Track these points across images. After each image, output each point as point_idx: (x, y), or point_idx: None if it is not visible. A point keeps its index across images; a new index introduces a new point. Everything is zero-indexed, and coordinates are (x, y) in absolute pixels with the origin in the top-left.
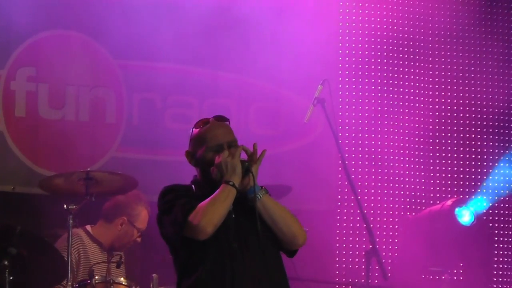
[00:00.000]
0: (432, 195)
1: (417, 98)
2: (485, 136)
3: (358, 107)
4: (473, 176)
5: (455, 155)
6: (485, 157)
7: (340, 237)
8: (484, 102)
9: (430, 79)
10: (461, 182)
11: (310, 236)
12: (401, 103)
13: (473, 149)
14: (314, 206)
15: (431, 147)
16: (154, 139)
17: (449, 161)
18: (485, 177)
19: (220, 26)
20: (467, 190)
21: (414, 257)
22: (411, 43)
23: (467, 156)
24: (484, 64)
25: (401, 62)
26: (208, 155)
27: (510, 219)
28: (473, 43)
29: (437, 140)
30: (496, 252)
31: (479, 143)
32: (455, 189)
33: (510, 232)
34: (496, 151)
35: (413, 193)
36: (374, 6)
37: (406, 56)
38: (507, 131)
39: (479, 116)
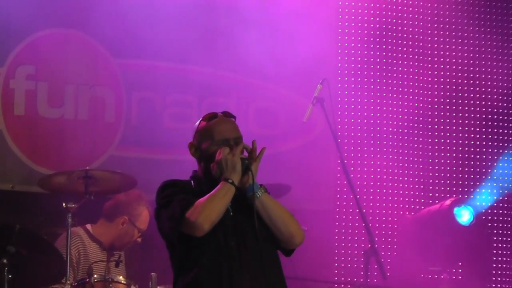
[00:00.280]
0: (431, 194)
1: (416, 98)
2: (484, 136)
3: (357, 107)
4: (472, 176)
5: (454, 154)
6: (484, 156)
7: (339, 237)
8: (483, 102)
9: (429, 79)
10: (460, 182)
11: (309, 235)
12: (400, 103)
13: (472, 149)
14: (313, 206)
15: (430, 147)
16: (153, 138)
17: (448, 161)
18: (484, 176)
19: (219, 26)
20: (466, 189)
21: (413, 256)
22: (411, 42)
23: (466, 155)
24: (484, 64)
25: (400, 62)
26: (213, 149)
27: (509, 218)
28: (473, 43)
29: (436, 140)
30: (495, 251)
31: (478, 142)
32: (454, 189)
33: (509, 232)
34: (495, 150)
35: (412, 193)
36: (373, 5)
37: (405, 55)
38: (506, 131)
39: (478, 116)
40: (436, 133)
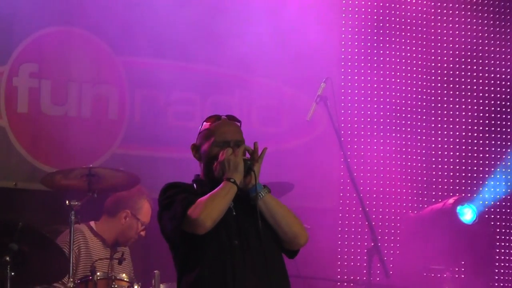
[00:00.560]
0: (434, 193)
1: (419, 96)
2: (487, 135)
3: (361, 105)
4: (475, 175)
5: (457, 153)
6: (487, 155)
7: (342, 235)
8: (487, 101)
9: (433, 78)
10: (463, 181)
11: (312, 233)
12: (403, 102)
13: (475, 148)
14: (316, 204)
15: (433, 145)
16: (156, 136)
17: (451, 160)
18: (487, 175)
19: (223, 24)
20: (469, 188)
21: (416, 255)
22: (414, 41)
23: (469, 154)
24: (490, 61)
25: (403, 61)
26: (213, 150)
27: None
28: (481, 36)
29: (439, 139)
30: (497, 250)
31: (481, 141)
32: (457, 188)
33: None
34: (498, 150)
35: (415, 191)
36: (377, 3)
37: (409, 54)
38: (509, 130)
39: (481, 114)
40: (440, 132)
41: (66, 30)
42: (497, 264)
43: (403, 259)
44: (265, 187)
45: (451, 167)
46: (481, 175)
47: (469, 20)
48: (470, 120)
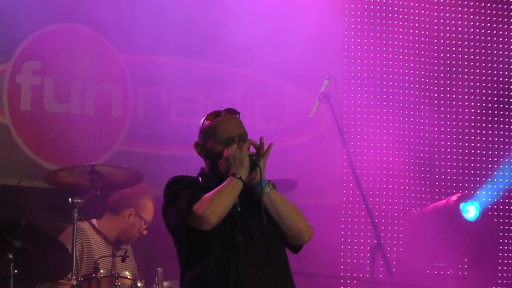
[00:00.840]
0: (437, 190)
1: (422, 93)
2: (490, 132)
3: (364, 102)
4: (478, 172)
5: (460, 150)
6: (490, 152)
7: (345, 232)
8: (489, 98)
9: (435, 75)
10: (466, 178)
11: (315, 231)
12: (406, 98)
13: (478, 145)
14: (319, 201)
15: (436, 142)
16: (160, 133)
17: (454, 157)
18: (490, 172)
19: (226, 21)
20: (472, 185)
21: (419, 252)
22: (417, 38)
23: (472, 151)
24: (491, 57)
25: (406, 58)
26: (218, 148)
27: None
28: (484, 32)
29: (443, 135)
30: (501, 247)
31: (484, 138)
32: (460, 185)
33: None
34: (502, 146)
35: (418, 188)
36: (379, 0)
37: (411, 51)
38: None
39: (484, 111)
40: (443, 129)
41: (69, 28)
42: (500, 261)
43: (406, 256)
44: (270, 183)
45: (454, 164)
46: (484, 172)
47: (472, 10)
48: (473, 117)
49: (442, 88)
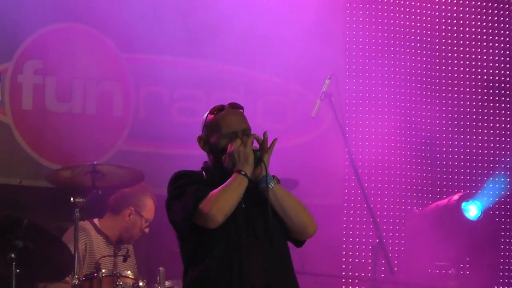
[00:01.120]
0: (439, 189)
1: (424, 93)
2: (491, 131)
3: (365, 101)
4: (480, 171)
5: (462, 149)
6: (492, 151)
7: (347, 231)
8: (491, 97)
9: (437, 74)
10: (468, 177)
11: (317, 230)
12: (407, 97)
13: (480, 144)
14: (321, 200)
15: (437, 142)
16: (161, 133)
17: (456, 156)
18: (491, 171)
19: (227, 20)
20: (473, 184)
21: (421, 251)
22: (418, 38)
23: (474, 151)
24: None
25: (408, 57)
26: (222, 142)
27: None
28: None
29: (444, 135)
30: (502, 246)
31: (485, 138)
32: (462, 184)
33: None
34: (503, 145)
35: (420, 188)
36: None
37: (413, 51)
38: None
39: (485, 110)
40: (444, 128)
41: (71, 27)
42: (502, 260)
43: (408, 256)
44: (274, 178)
45: (456, 163)
46: (485, 171)
47: (473, 9)
48: (475, 116)
49: (444, 88)
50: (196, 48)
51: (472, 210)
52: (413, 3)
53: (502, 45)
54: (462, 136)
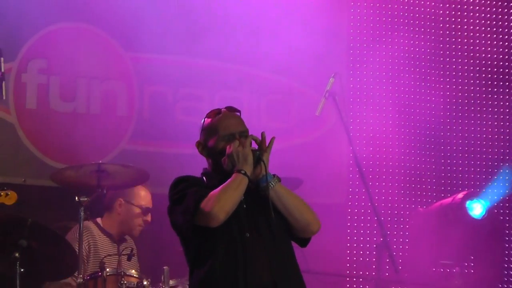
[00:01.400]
0: (443, 188)
1: (428, 91)
2: (496, 130)
3: (370, 100)
4: (484, 170)
5: (466, 148)
6: (496, 150)
7: (351, 230)
8: (495, 95)
9: (441, 72)
10: (472, 175)
11: (321, 229)
12: (412, 96)
13: (484, 142)
14: (325, 199)
15: (442, 140)
16: (165, 132)
17: (460, 154)
18: (496, 170)
19: (231, 19)
20: (478, 183)
21: (425, 250)
22: (422, 36)
23: (478, 149)
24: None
25: (412, 55)
26: (220, 145)
27: None
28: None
29: (448, 133)
30: (507, 245)
31: (490, 136)
32: (466, 182)
33: None
34: (508, 144)
35: (424, 186)
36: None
37: (417, 49)
38: None
39: (490, 109)
40: (448, 127)
41: (75, 26)
42: (506, 258)
43: (412, 254)
44: (275, 177)
45: (460, 162)
46: (490, 170)
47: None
48: (479, 115)
49: (448, 86)
50: (200, 47)
51: (477, 208)
52: (417, 1)
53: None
54: (466, 135)
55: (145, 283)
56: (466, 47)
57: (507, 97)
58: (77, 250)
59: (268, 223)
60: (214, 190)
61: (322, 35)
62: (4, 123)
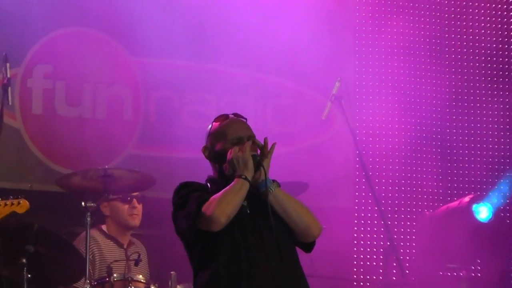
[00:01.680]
0: (449, 191)
1: (434, 95)
2: (502, 133)
3: (375, 104)
4: (490, 173)
5: (472, 152)
6: (502, 153)
7: (358, 234)
8: (501, 99)
9: (447, 76)
10: (479, 179)
11: (328, 233)
12: (417, 100)
13: (490, 146)
14: (332, 203)
15: (448, 144)
16: (171, 137)
17: (466, 158)
18: (502, 173)
19: (236, 24)
20: (484, 186)
21: (432, 253)
22: (428, 40)
23: (484, 153)
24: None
25: (417, 59)
26: (228, 148)
27: None
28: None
29: (454, 137)
30: None
31: (496, 140)
32: (473, 186)
33: None
34: None
35: (430, 190)
36: (390, 2)
37: (423, 53)
38: None
39: (495, 112)
40: (454, 131)
41: (80, 31)
42: None
43: (419, 258)
44: (274, 182)
45: (466, 165)
46: (496, 173)
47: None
48: (485, 119)
49: (453, 90)
50: (205, 51)
51: (483, 212)
52: (422, 5)
53: None
54: (472, 138)
55: None
56: (478, 50)
57: None
58: (84, 256)
59: (271, 227)
60: (216, 195)
61: (328, 39)
62: (10, 129)
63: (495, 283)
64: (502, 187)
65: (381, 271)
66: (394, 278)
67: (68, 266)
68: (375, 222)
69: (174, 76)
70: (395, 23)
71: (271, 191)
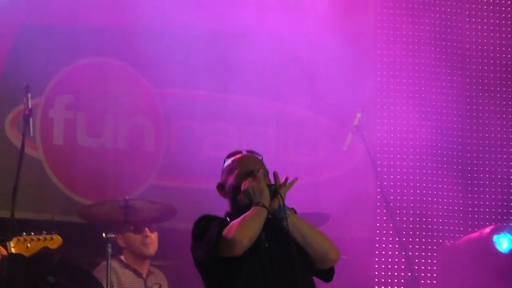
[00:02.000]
0: (470, 222)
1: (455, 126)
2: None
3: (397, 135)
4: None
5: (493, 182)
6: None
7: (379, 265)
8: None
9: (468, 107)
10: (500, 210)
11: (349, 264)
12: (439, 131)
13: (511, 176)
14: (353, 234)
15: (469, 175)
16: (193, 167)
17: (487, 189)
18: None
19: (257, 55)
20: (505, 217)
21: (453, 284)
22: (449, 71)
23: (505, 183)
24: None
25: (439, 90)
26: (238, 181)
27: None
28: None
29: (475, 168)
30: None
31: None
32: (494, 217)
33: None
34: None
35: (451, 221)
36: (412, 26)
37: (441, 83)
38: None
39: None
40: (475, 161)
41: (102, 62)
42: None
43: None
44: (291, 209)
45: (487, 196)
46: None
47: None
48: (506, 149)
49: (474, 114)
50: (227, 82)
51: (504, 242)
52: (443, 34)
53: None
54: (493, 169)
55: None
56: (499, 68)
57: None
58: (104, 286)
59: (289, 260)
60: (235, 220)
61: (350, 70)
62: (31, 159)
63: None
64: None
65: None
66: None
67: None
68: (396, 252)
69: (195, 106)
70: (416, 53)
71: (288, 216)
